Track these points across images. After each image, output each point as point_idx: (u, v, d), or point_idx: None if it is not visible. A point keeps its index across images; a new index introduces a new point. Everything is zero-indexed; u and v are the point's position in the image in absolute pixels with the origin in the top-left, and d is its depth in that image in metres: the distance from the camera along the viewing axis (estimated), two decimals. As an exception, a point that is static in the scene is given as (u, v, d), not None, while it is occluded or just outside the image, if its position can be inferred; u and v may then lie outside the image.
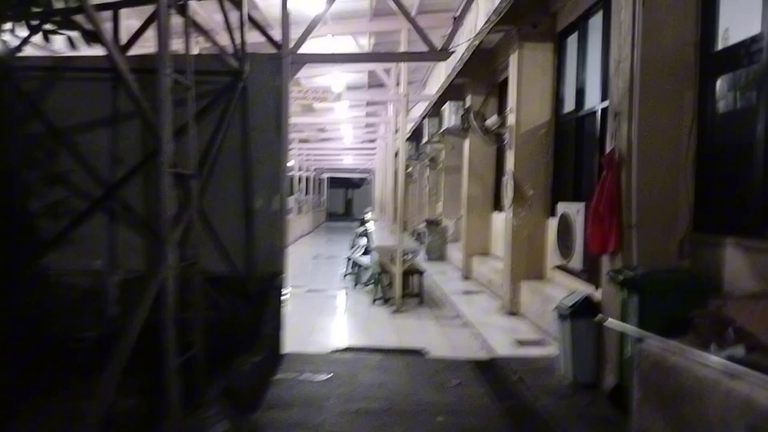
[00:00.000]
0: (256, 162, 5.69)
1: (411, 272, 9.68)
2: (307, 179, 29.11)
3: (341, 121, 17.29)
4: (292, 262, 16.11)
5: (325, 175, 40.49)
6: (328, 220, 40.27)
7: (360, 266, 11.07)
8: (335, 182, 43.84)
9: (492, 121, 8.75)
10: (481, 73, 11.15)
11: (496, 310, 8.44)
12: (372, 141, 21.88)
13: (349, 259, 11.99)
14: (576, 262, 5.48)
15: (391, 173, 9.88)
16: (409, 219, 25.62)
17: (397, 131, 10.31)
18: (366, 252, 11.59)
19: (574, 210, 5.57)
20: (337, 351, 6.49)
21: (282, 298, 5.95)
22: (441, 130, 11.62)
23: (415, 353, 6.44)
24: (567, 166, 7.82)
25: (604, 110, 6.57)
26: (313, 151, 25.93)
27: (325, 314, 8.59)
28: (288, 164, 6.13)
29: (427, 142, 15.28)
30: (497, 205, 11.13)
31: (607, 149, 4.99)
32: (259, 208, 5.87)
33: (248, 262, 5.87)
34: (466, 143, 11.75)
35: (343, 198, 46.76)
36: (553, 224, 7.51)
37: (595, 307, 5.01)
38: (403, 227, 24.33)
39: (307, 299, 9.85)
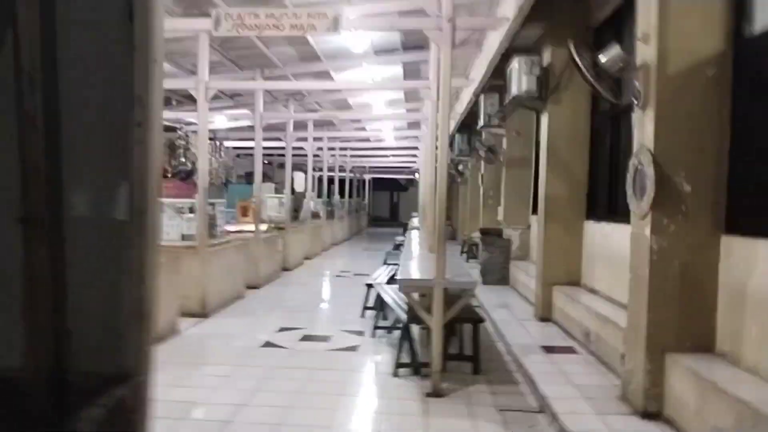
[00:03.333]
0: (69, 102, 1.90)
1: (461, 320, 5.95)
2: (342, 181, 25.52)
3: (367, 87, 12.56)
4: (303, 284, 12.57)
5: (367, 176, 36.94)
6: (371, 225, 36.75)
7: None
8: (379, 184, 40.27)
9: (610, 56, 4.90)
10: (568, 12, 7.34)
11: (617, 402, 4.58)
12: (416, 126, 17.62)
13: (370, 287, 8.28)
14: None
15: (433, 169, 6.12)
16: (459, 228, 21.72)
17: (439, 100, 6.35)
18: (393, 278, 7.88)
19: None
20: None
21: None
22: (508, 101, 7.82)
23: None
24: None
25: None
26: (347, 144, 22.13)
27: (307, 405, 4.90)
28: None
29: (483, 126, 11.48)
30: (594, 211, 7.26)
31: None
32: (78, 215, 1.98)
33: (40, 347, 2.17)
34: (544, 120, 7.91)
35: (389, 201, 43.11)
36: (746, 249, 3.64)
37: None
38: (451, 236, 20.51)
39: (292, 361, 6.20)
